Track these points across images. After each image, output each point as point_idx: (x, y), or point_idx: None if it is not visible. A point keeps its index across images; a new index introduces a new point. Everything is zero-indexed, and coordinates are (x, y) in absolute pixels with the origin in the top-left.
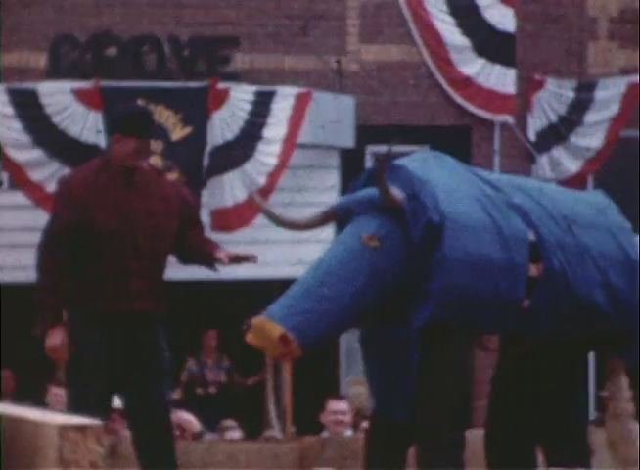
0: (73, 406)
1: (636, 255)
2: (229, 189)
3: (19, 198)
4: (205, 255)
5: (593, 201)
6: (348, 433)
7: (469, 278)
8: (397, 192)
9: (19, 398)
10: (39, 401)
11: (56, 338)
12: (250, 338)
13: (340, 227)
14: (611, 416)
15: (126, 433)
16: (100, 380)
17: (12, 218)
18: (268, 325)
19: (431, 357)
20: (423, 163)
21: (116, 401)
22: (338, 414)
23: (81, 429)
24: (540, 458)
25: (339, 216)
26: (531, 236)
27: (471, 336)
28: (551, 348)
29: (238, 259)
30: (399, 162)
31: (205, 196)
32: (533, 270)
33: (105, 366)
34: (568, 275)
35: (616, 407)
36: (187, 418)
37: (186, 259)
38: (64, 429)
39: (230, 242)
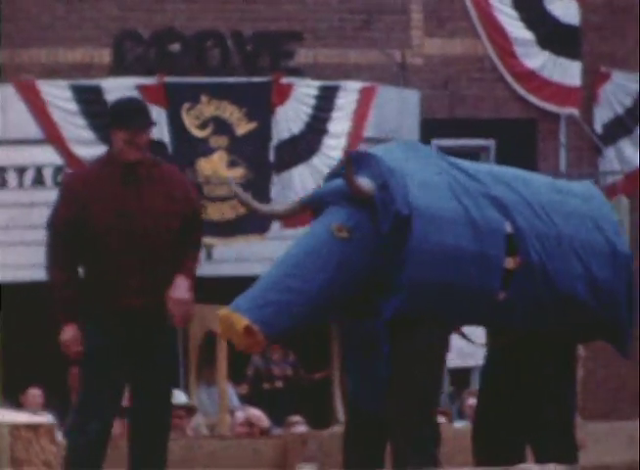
0: (84, 404)
1: (622, 246)
2: (298, 183)
3: None
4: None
5: (580, 191)
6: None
7: (439, 270)
8: (367, 182)
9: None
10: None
11: (69, 333)
12: (218, 329)
13: (315, 217)
14: None
15: None
16: (106, 378)
17: None
18: (233, 317)
19: (402, 349)
20: (397, 152)
21: (181, 398)
22: None
23: (34, 428)
24: (529, 452)
25: (314, 206)
26: (508, 228)
27: (444, 328)
28: (537, 340)
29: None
30: (373, 151)
31: (274, 191)
32: (510, 262)
33: (110, 364)
34: (547, 267)
35: None
36: (256, 414)
37: None
38: (15, 428)
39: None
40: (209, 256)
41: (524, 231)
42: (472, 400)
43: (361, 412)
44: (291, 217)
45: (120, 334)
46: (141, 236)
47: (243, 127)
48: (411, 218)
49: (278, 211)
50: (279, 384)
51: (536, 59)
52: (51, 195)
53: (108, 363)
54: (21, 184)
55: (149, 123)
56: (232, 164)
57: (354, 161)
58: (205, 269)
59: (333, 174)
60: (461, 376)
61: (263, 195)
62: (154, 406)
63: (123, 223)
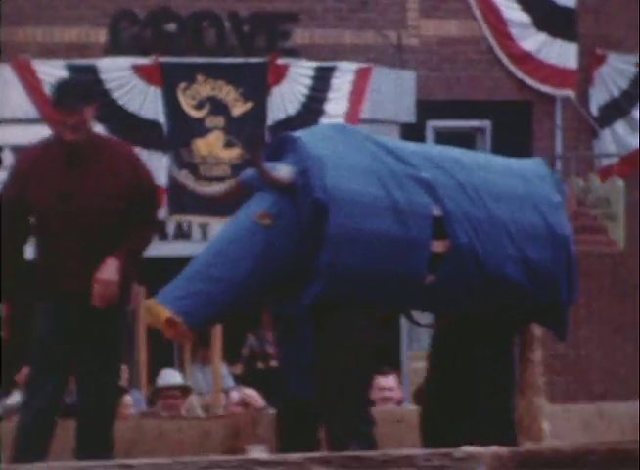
0: (31, 382)
1: (562, 228)
2: None
3: None
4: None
5: (523, 171)
6: (402, 408)
7: (358, 256)
8: (285, 170)
9: None
10: None
11: None
12: (147, 318)
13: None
14: (519, 390)
15: None
16: (50, 358)
17: None
18: (157, 308)
19: (324, 335)
20: (323, 136)
21: (177, 378)
22: (385, 390)
23: None
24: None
25: (245, 191)
26: (436, 211)
27: (369, 313)
28: (471, 323)
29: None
30: (298, 134)
31: None
32: (439, 246)
33: (55, 345)
34: (477, 250)
35: (524, 381)
36: (251, 394)
37: None
38: None
39: None
40: (205, 235)
41: (452, 214)
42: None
43: (292, 397)
44: (229, 199)
45: (64, 316)
46: (82, 218)
47: (239, 108)
48: (328, 204)
49: (213, 194)
50: (274, 364)
51: (532, 41)
52: None
53: (52, 344)
54: None
55: (78, 104)
56: (228, 145)
57: (281, 145)
58: (198, 248)
59: (268, 156)
60: None
61: None
62: (96, 388)
63: (64, 204)
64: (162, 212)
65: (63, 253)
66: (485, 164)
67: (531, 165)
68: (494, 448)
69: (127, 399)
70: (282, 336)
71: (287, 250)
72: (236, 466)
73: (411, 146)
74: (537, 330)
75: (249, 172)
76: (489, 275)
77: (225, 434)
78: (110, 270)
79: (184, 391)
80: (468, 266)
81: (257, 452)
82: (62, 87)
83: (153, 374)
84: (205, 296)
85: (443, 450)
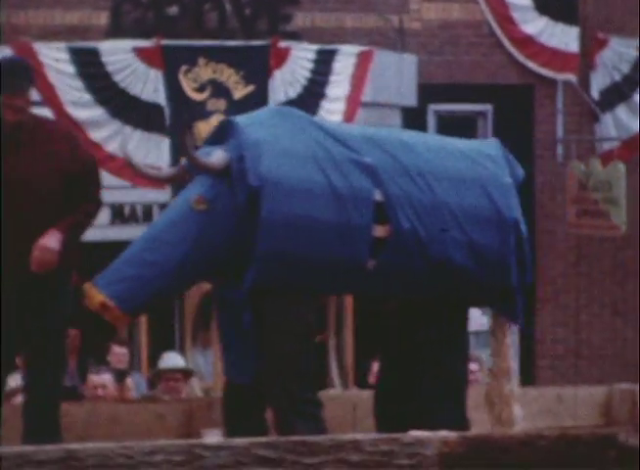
0: None
1: (510, 211)
2: None
3: None
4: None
5: (473, 153)
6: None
7: (295, 241)
8: (220, 155)
9: (82, 356)
10: (102, 360)
11: None
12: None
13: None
14: (491, 374)
15: None
16: (7, 336)
17: None
18: (92, 291)
19: (268, 319)
20: (262, 121)
21: (179, 361)
22: None
23: None
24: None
25: (189, 174)
26: (378, 196)
27: (309, 298)
28: (417, 307)
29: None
30: (238, 119)
31: None
32: (381, 231)
33: (6, 322)
34: (420, 235)
35: (496, 366)
36: None
37: None
38: None
39: None
40: None
41: (395, 199)
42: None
43: (235, 383)
44: (175, 181)
45: (13, 295)
46: (21, 199)
47: (240, 91)
48: (261, 190)
49: (161, 175)
50: None
51: (534, 24)
52: None
53: (4, 322)
54: None
55: (24, 85)
56: None
57: (223, 129)
58: None
59: (209, 141)
60: None
61: None
62: (40, 369)
63: (7, 185)
64: (165, 196)
65: (10, 234)
66: (434, 147)
67: (483, 147)
68: (443, 433)
69: (128, 381)
70: (223, 320)
71: (223, 235)
72: (181, 451)
73: (356, 130)
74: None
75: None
76: (434, 260)
77: (180, 418)
78: (50, 239)
79: (186, 374)
80: (411, 251)
81: (212, 436)
82: (8, 68)
83: (153, 357)
84: (138, 280)
85: (391, 435)
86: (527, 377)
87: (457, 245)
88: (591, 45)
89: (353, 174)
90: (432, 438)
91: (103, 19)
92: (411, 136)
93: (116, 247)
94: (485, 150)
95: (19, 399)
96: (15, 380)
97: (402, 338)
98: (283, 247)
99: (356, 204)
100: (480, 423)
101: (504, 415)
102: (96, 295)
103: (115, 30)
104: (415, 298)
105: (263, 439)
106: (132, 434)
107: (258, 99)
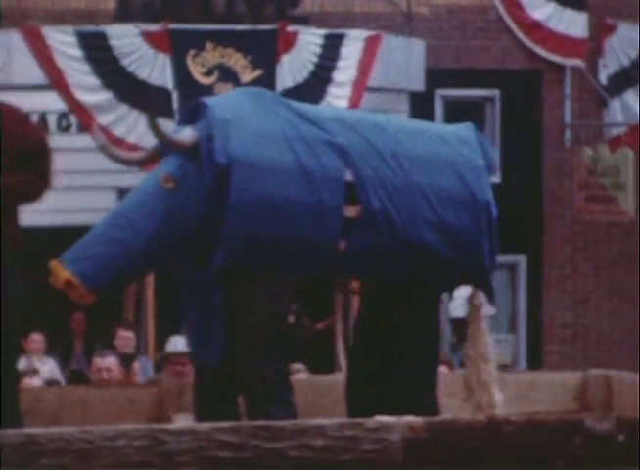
0: None
1: (483, 193)
2: None
3: (87, 141)
4: None
5: (446, 135)
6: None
7: (262, 221)
8: (188, 133)
9: (89, 339)
10: (108, 344)
11: None
12: (51, 280)
13: None
14: (468, 360)
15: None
16: None
17: (82, 161)
18: (57, 268)
19: (239, 300)
20: (232, 101)
21: (186, 345)
22: None
23: None
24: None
25: (163, 153)
26: (349, 176)
27: (281, 278)
28: (390, 289)
29: None
30: (208, 100)
31: None
32: (352, 211)
33: None
34: (391, 215)
35: (473, 351)
36: None
37: None
38: None
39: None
40: None
41: (366, 179)
42: None
43: (206, 367)
44: (148, 164)
45: None
46: None
47: (248, 75)
48: (229, 168)
49: (137, 157)
50: None
51: (542, 10)
52: (55, 140)
53: None
54: None
55: None
56: None
57: (194, 110)
58: None
59: (181, 122)
60: (463, 326)
61: None
62: None
63: None
64: None
65: None
66: (407, 130)
67: (456, 130)
68: (408, 418)
69: (135, 365)
70: (191, 303)
71: (191, 214)
72: (142, 435)
73: (328, 111)
74: (482, 299)
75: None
76: (405, 241)
77: (150, 402)
78: None
79: (192, 358)
80: (382, 232)
81: (183, 421)
82: None
83: (160, 341)
84: (105, 258)
85: (355, 420)
86: (535, 362)
87: (429, 226)
88: (599, 30)
89: (324, 154)
90: (396, 423)
91: (110, 3)
92: (383, 118)
93: None
94: (459, 133)
95: (30, 381)
96: (21, 363)
97: (377, 320)
98: (252, 226)
99: (327, 183)
100: (454, 410)
101: (484, 401)
102: (62, 272)
103: (123, 14)
104: (388, 280)
105: (226, 423)
106: (103, 419)
107: (266, 83)
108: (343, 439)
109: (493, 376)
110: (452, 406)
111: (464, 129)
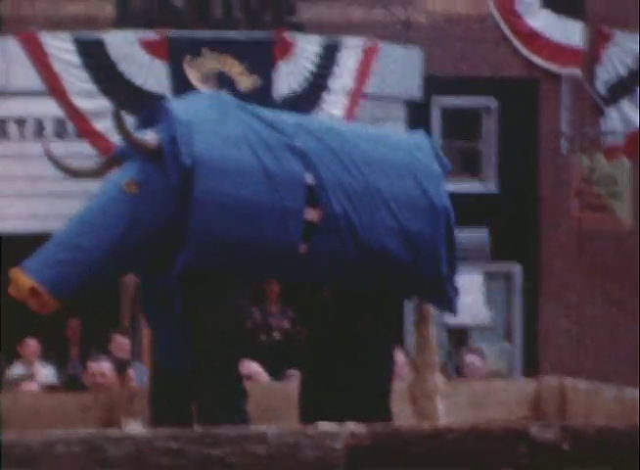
0: None
1: (441, 200)
2: None
3: (84, 147)
4: None
5: (403, 142)
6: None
7: (226, 223)
8: (152, 136)
9: (84, 345)
10: (104, 349)
11: None
12: (10, 290)
13: None
14: (415, 368)
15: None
16: None
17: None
18: (20, 277)
19: (198, 304)
20: (193, 104)
21: None
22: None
23: None
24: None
25: (120, 160)
26: (309, 179)
27: (241, 282)
28: (349, 296)
29: None
30: (170, 103)
31: None
32: (312, 214)
33: None
34: (352, 220)
35: (420, 359)
36: (256, 369)
37: None
38: None
39: None
40: None
41: (326, 182)
42: (469, 358)
43: (163, 370)
44: (105, 173)
45: None
46: None
47: (245, 82)
48: (194, 170)
49: (85, 170)
50: (277, 335)
51: (539, 18)
52: (52, 147)
53: None
54: (22, 136)
55: None
56: None
57: (155, 113)
58: None
59: (140, 125)
60: (459, 334)
61: None
62: None
63: None
64: None
65: None
66: (366, 136)
67: (412, 138)
68: (351, 426)
69: (130, 371)
70: (152, 307)
71: (155, 218)
72: (81, 442)
73: (287, 116)
74: (431, 307)
75: (121, 145)
76: (366, 247)
77: (102, 408)
78: None
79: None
80: (343, 236)
81: (133, 426)
82: None
83: None
84: (69, 265)
85: (298, 428)
86: (531, 370)
87: (390, 233)
88: (596, 39)
89: (285, 157)
90: (339, 430)
91: (108, 9)
92: (342, 124)
93: None
94: (413, 140)
95: (27, 386)
96: (17, 368)
97: (340, 328)
98: (215, 227)
99: (289, 186)
100: (406, 418)
101: (428, 410)
102: (25, 281)
103: (121, 21)
104: (350, 286)
105: (166, 430)
106: (54, 425)
107: (263, 90)
108: (285, 446)
109: (438, 386)
110: (406, 414)
111: (416, 137)
